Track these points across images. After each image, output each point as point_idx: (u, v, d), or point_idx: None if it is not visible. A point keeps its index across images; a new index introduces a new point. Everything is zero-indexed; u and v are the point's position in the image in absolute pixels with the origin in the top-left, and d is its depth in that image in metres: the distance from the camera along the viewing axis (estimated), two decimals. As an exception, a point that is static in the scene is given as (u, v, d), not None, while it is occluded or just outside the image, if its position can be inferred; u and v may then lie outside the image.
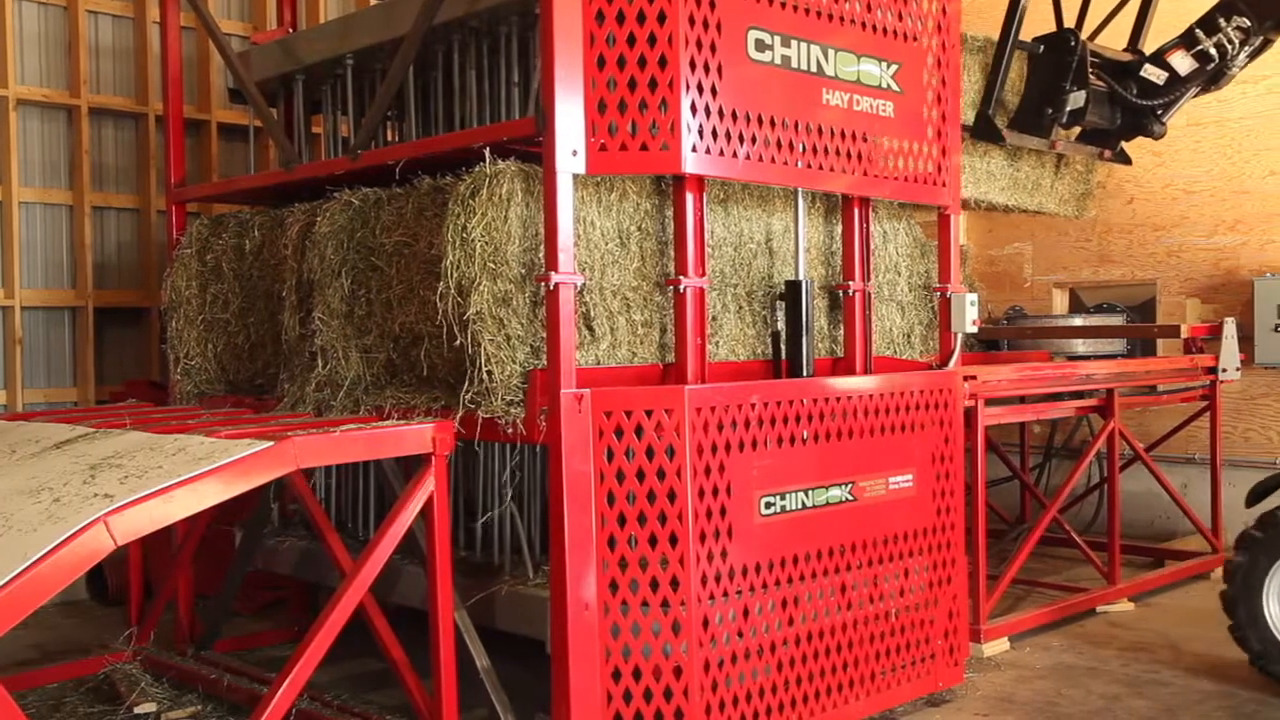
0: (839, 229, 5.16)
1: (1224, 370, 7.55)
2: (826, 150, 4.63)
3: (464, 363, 4.38)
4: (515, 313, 4.31)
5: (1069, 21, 7.23)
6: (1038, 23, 6.99)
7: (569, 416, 4.06)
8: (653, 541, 4.16)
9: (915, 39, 5.02)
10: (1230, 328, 7.59)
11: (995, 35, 6.65)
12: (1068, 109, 6.79)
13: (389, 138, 6.29)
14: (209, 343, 5.86)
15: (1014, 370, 6.26)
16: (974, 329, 5.36)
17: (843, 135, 4.70)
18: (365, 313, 4.96)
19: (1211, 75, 7.06)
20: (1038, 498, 7.64)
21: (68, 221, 7.61)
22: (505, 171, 4.30)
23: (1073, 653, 5.91)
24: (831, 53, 4.66)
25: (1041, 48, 6.86)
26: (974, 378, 5.84)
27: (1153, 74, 7.13)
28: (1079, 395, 6.78)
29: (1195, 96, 7.31)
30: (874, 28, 4.83)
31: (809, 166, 4.58)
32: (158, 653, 5.61)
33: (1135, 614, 6.68)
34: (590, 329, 4.39)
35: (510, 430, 4.27)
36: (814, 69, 4.60)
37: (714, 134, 4.24)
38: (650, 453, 4.15)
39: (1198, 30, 7.00)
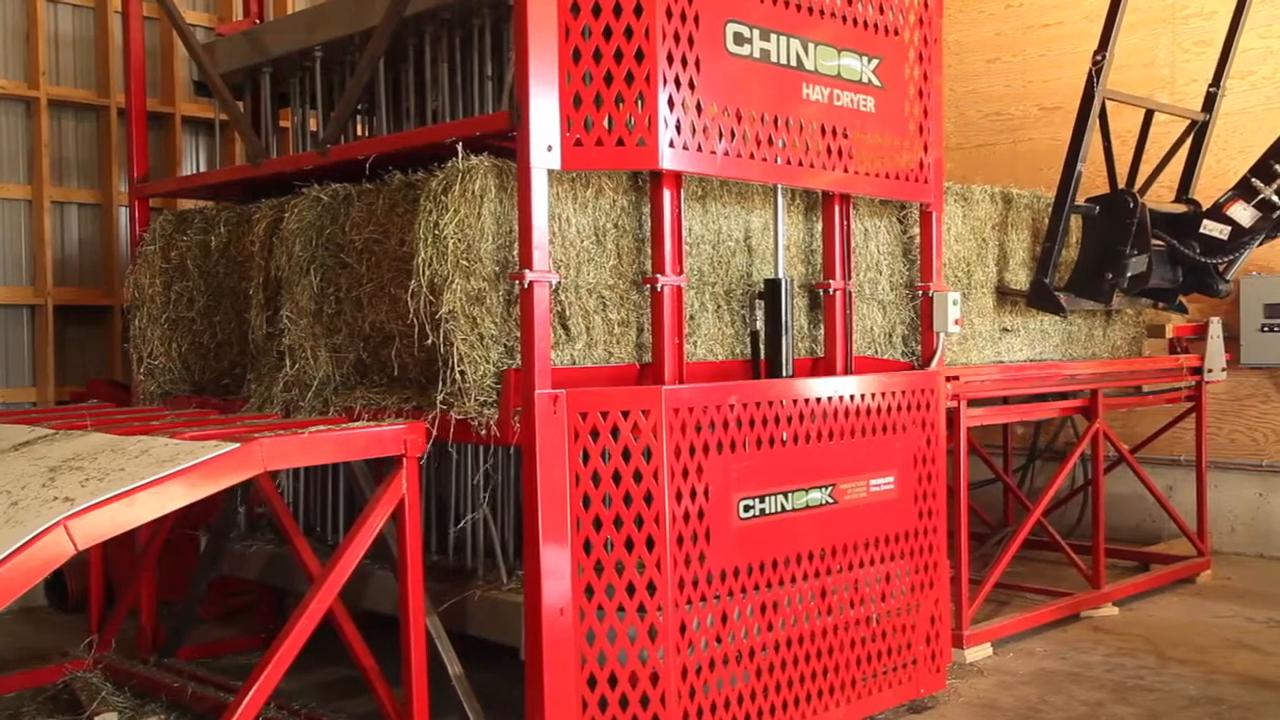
0: (819, 226, 5.10)
1: (1209, 371, 7.52)
2: (807, 146, 4.58)
3: (436, 362, 4.32)
4: (489, 311, 4.24)
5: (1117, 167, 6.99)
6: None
7: (544, 417, 4.00)
8: (629, 545, 4.11)
9: (897, 33, 4.97)
10: (1216, 328, 7.57)
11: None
12: (1129, 274, 6.54)
13: (359, 132, 6.22)
14: (173, 342, 5.78)
15: (997, 370, 6.22)
16: (957, 329, 5.32)
17: (823, 131, 4.64)
18: (334, 311, 4.89)
19: (1277, 222, 6.76)
20: (1021, 500, 7.61)
21: (26, 217, 7.46)
22: (478, 167, 4.23)
23: (1056, 658, 5.87)
24: (811, 46, 4.60)
25: (1097, 209, 6.63)
26: (956, 378, 5.80)
27: (1214, 229, 6.86)
28: (1063, 396, 6.74)
29: (1260, 245, 7.04)
30: (855, 21, 4.79)
31: (789, 163, 4.53)
32: (119, 660, 5.51)
33: (1120, 618, 6.65)
34: (565, 328, 4.33)
35: (484, 432, 4.21)
36: (794, 63, 4.55)
37: (692, 129, 4.19)
38: (627, 454, 4.09)
39: (1254, 179, 6.75)
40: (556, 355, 4.27)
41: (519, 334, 4.19)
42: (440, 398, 4.25)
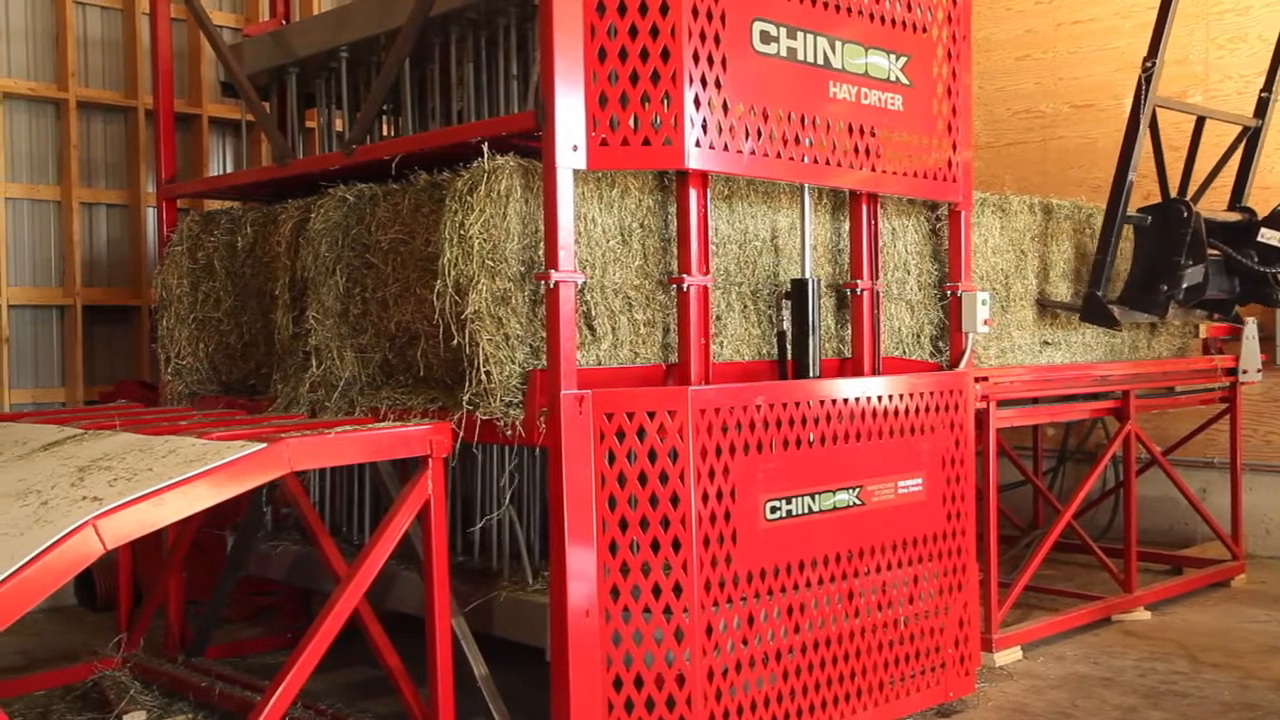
0: (846, 226, 5.06)
1: (1244, 371, 7.40)
2: (834, 145, 4.55)
3: (462, 363, 4.29)
4: (514, 312, 4.22)
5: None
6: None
7: (569, 418, 3.97)
8: (655, 547, 4.08)
9: (925, 30, 4.92)
10: (1251, 328, 7.45)
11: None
12: (1185, 285, 6.40)
13: (384, 132, 6.21)
14: (201, 342, 5.79)
15: (1027, 371, 6.15)
16: (985, 329, 5.26)
17: (850, 129, 4.60)
18: (360, 311, 4.88)
19: None
20: (1051, 503, 7.51)
21: (55, 218, 7.49)
22: (504, 167, 4.21)
23: (1087, 662, 5.80)
24: (839, 44, 4.57)
25: (1149, 219, 6.51)
26: (986, 379, 5.74)
27: (1272, 238, 6.74)
28: (1094, 397, 6.66)
29: None
30: (882, 19, 4.75)
31: (816, 162, 4.49)
32: (147, 659, 5.53)
33: (1152, 623, 6.56)
34: (591, 328, 4.30)
35: (509, 432, 4.19)
36: (821, 61, 4.51)
37: (718, 128, 4.16)
38: (653, 455, 4.07)
39: None
40: (582, 356, 4.25)
41: (544, 334, 4.16)
42: (466, 398, 4.23)
